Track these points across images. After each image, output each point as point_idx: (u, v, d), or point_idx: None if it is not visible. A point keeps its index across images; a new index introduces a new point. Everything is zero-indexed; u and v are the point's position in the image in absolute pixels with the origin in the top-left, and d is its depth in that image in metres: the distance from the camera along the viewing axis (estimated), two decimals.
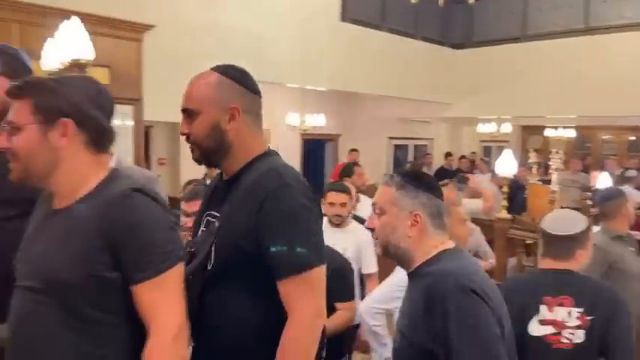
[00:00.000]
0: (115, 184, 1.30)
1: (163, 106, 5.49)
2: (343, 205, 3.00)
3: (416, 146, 11.49)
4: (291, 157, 8.11)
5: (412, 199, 1.45)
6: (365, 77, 7.74)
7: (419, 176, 1.51)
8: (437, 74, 8.79)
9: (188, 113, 1.42)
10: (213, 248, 1.38)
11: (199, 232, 1.50)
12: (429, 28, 8.95)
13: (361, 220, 3.19)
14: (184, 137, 1.44)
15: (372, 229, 1.51)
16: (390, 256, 1.51)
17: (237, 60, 1.54)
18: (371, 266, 3.05)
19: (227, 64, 1.49)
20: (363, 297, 3.00)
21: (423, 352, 1.30)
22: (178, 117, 1.46)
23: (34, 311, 1.25)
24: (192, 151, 1.44)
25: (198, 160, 1.46)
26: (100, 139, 1.34)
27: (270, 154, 1.49)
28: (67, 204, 1.30)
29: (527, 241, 5.13)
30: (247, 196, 1.37)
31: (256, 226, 1.33)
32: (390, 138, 10.80)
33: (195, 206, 2.19)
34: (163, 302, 1.26)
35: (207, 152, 1.43)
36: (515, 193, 6.45)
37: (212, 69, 1.47)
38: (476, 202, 5.18)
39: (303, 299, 1.32)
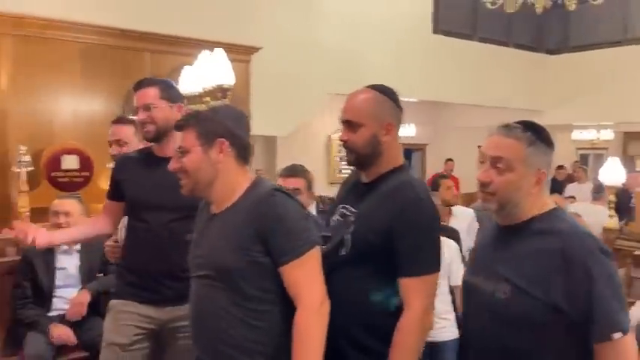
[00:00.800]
0: (259, 188, 1.60)
1: (263, 120, 5.83)
2: None
3: None
4: None
5: (542, 157, 1.42)
6: (457, 87, 7.77)
7: (544, 132, 1.46)
8: (529, 81, 8.62)
9: (350, 124, 1.65)
10: (347, 237, 1.61)
11: (333, 219, 1.72)
12: (523, 35, 8.80)
13: (455, 233, 3.29)
14: (343, 143, 1.69)
15: (487, 183, 1.44)
16: (501, 212, 1.45)
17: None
18: (460, 279, 3.10)
19: (380, 84, 1.69)
20: (455, 309, 3.11)
21: (551, 309, 1.32)
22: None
23: (209, 294, 1.56)
24: (348, 154, 1.67)
25: (352, 163, 1.70)
26: (245, 153, 1.65)
27: (405, 167, 1.71)
28: (224, 208, 1.61)
29: (636, 252, 4.94)
30: (386, 200, 1.59)
31: (391, 226, 1.54)
32: (480, 147, 10.61)
33: (291, 182, 2.38)
34: (305, 279, 1.51)
35: (363, 158, 1.65)
36: (623, 202, 6.21)
37: (368, 87, 1.68)
38: (597, 213, 5.06)
39: (418, 297, 1.53)
